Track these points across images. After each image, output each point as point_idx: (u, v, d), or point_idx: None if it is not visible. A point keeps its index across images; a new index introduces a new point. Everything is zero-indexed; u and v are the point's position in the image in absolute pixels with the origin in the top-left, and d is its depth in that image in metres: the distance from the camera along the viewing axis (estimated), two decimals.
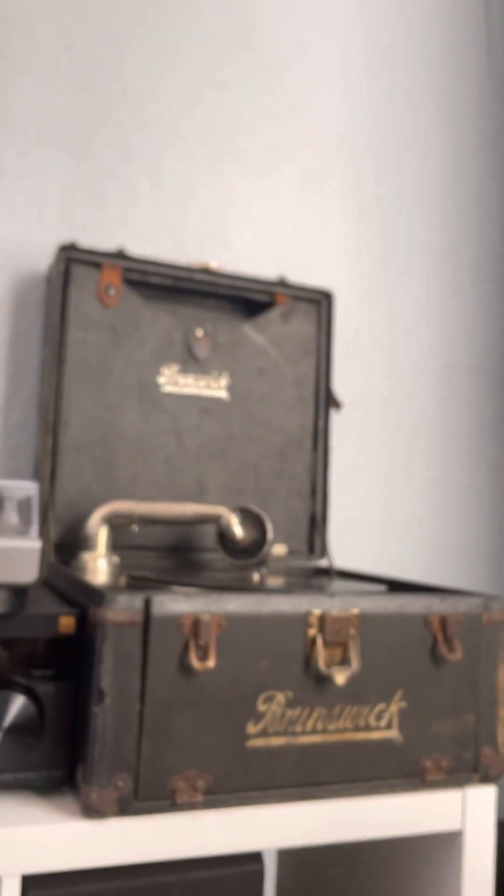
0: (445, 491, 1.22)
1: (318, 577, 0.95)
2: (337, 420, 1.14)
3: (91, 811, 0.56)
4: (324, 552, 1.00)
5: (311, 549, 1.02)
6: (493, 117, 1.30)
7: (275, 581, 0.83)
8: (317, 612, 0.63)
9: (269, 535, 0.87)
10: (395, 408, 1.19)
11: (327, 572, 0.99)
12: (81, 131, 1.04)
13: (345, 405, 1.14)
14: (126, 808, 0.57)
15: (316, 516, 1.02)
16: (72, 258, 0.93)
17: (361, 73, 1.21)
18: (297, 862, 0.94)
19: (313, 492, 1.03)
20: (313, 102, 1.17)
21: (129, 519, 0.86)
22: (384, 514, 1.17)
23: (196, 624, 0.59)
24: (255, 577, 0.82)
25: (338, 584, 0.83)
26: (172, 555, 0.94)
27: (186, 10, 1.10)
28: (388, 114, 1.22)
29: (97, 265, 0.94)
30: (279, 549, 0.97)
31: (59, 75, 1.03)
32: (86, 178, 1.04)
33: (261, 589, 0.68)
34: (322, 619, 0.63)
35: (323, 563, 1.01)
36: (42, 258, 1.01)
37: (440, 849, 0.69)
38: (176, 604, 0.59)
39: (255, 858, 0.62)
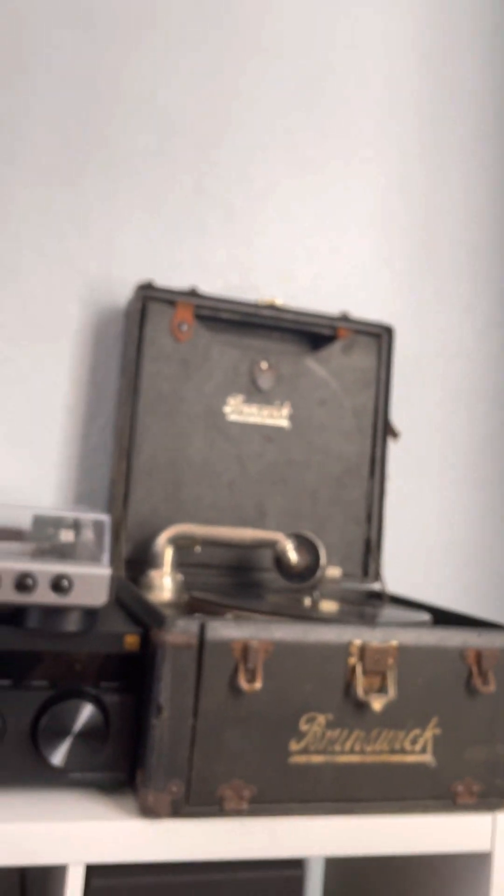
0: (501, 520, 1.24)
1: (371, 601, 1.00)
2: (394, 448, 1.18)
3: (148, 811, 0.63)
4: (377, 576, 1.05)
5: (366, 572, 1.07)
6: None
7: (327, 604, 0.89)
8: (357, 642, 0.68)
9: (323, 560, 0.92)
10: (451, 437, 1.23)
11: (380, 596, 1.03)
12: (159, 176, 1.12)
13: (402, 434, 1.18)
14: (178, 810, 0.63)
15: (371, 541, 1.07)
16: (148, 296, 1.01)
17: (426, 116, 1.25)
18: (343, 870, 1.00)
19: (369, 518, 1.08)
20: (380, 145, 1.22)
21: (193, 540, 0.93)
22: (438, 541, 1.21)
23: (245, 649, 0.65)
24: (307, 600, 0.87)
25: (385, 612, 0.87)
26: (233, 573, 1.01)
27: (261, 55, 1.17)
28: (450, 155, 1.26)
29: (171, 302, 1.02)
30: (334, 572, 1.03)
31: (141, 126, 1.11)
32: (163, 218, 1.12)
33: (307, 617, 0.73)
34: (362, 649, 0.68)
35: (376, 586, 1.06)
36: (122, 293, 1.09)
37: (471, 869, 0.73)
38: (228, 629, 0.65)
39: (296, 864, 0.68)
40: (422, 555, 1.20)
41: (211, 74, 1.15)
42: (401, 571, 1.17)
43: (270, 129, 1.17)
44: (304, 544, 0.94)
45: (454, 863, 0.76)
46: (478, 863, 0.73)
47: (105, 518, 0.68)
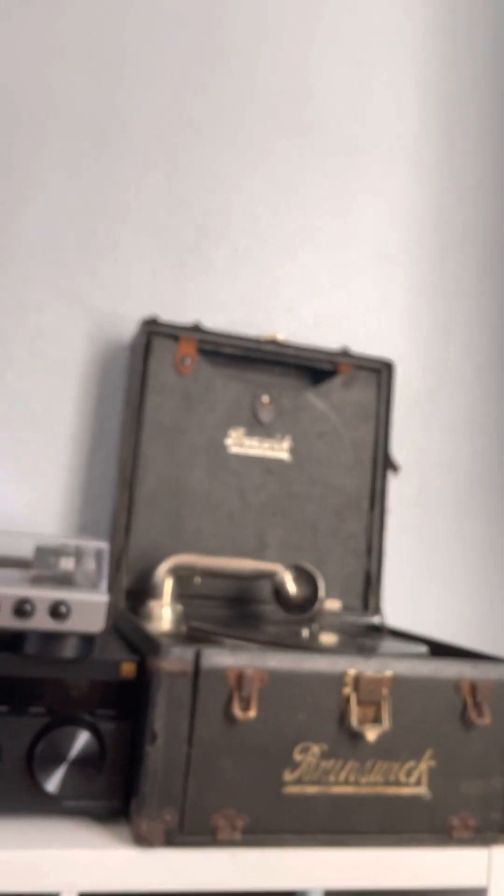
0: (501, 553, 1.24)
1: (369, 634, 1.01)
2: (395, 482, 1.19)
3: (141, 840, 0.63)
4: (377, 610, 1.05)
5: (366, 606, 1.07)
6: None
7: (326, 637, 0.89)
8: (352, 672, 0.68)
9: (321, 592, 0.93)
10: (451, 471, 1.24)
11: (379, 629, 1.04)
12: (165, 215, 1.15)
13: (403, 468, 1.19)
14: (172, 839, 0.63)
15: (371, 574, 1.07)
16: (153, 331, 1.04)
17: (431, 152, 1.28)
18: None
19: (369, 551, 1.08)
20: (382, 185, 1.25)
21: (192, 571, 0.94)
22: (439, 575, 1.21)
23: (240, 677, 0.66)
24: (305, 632, 0.88)
25: (383, 644, 0.88)
26: (232, 605, 1.01)
27: (265, 99, 1.21)
28: (451, 191, 1.29)
29: (175, 337, 1.04)
30: (333, 605, 1.03)
31: (149, 166, 1.15)
32: (168, 256, 1.15)
33: (302, 647, 0.74)
34: (357, 679, 0.68)
35: (376, 620, 1.06)
36: (127, 329, 1.12)
37: None
38: (223, 657, 0.66)
39: None
40: (422, 588, 1.20)
41: (218, 118, 1.19)
42: (401, 605, 1.17)
43: (272, 170, 1.20)
44: (304, 576, 0.95)
45: None
46: None
47: (104, 546, 0.69)
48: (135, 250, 1.13)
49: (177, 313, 1.13)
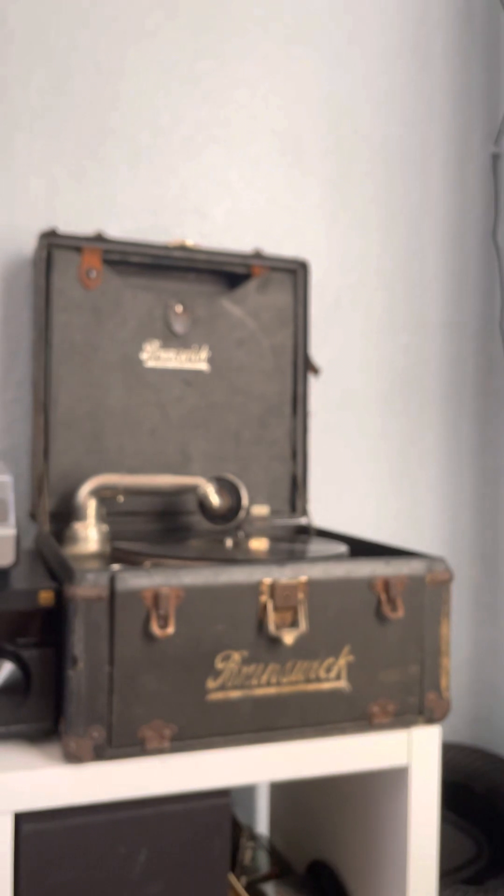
0: (425, 449, 1.27)
1: (297, 536, 1.03)
2: (317, 385, 1.19)
3: (71, 757, 0.65)
4: (304, 512, 1.07)
5: (293, 509, 1.08)
6: (465, 74, 1.29)
7: (256, 542, 0.90)
8: (267, 580, 0.70)
9: (244, 501, 0.94)
10: (374, 369, 1.24)
11: (306, 531, 1.06)
12: (58, 113, 1.07)
13: (324, 370, 1.18)
14: (101, 754, 0.66)
15: (296, 478, 1.08)
16: (53, 244, 0.98)
17: (337, 35, 1.21)
18: (286, 795, 1.05)
19: (294, 455, 1.09)
20: (288, 68, 1.18)
21: (115, 490, 0.93)
22: (364, 474, 1.23)
23: (156, 596, 0.66)
24: (229, 542, 0.89)
25: (307, 546, 0.90)
26: (159, 519, 1.02)
27: None
28: (362, 77, 1.23)
29: (77, 249, 0.99)
30: (261, 511, 1.04)
31: (37, 64, 1.06)
32: (66, 160, 1.08)
33: (218, 560, 0.75)
34: (272, 587, 0.70)
35: (303, 521, 1.08)
36: (28, 242, 1.06)
37: (392, 783, 0.78)
38: (138, 579, 0.66)
39: (222, 794, 0.71)
40: (349, 488, 1.22)
41: (108, 2, 1.09)
42: (330, 505, 1.19)
43: (168, 57, 1.12)
44: (226, 486, 0.95)
45: (383, 778, 0.80)
46: (397, 777, 0.77)
47: (8, 479, 0.68)
48: (28, 156, 1.06)
49: (79, 222, 1.08)
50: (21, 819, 0.65)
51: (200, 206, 1.14)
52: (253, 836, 1.01)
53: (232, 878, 0.85)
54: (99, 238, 1.00)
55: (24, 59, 1.06)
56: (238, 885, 0.85)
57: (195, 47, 1.14)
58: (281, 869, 0.98)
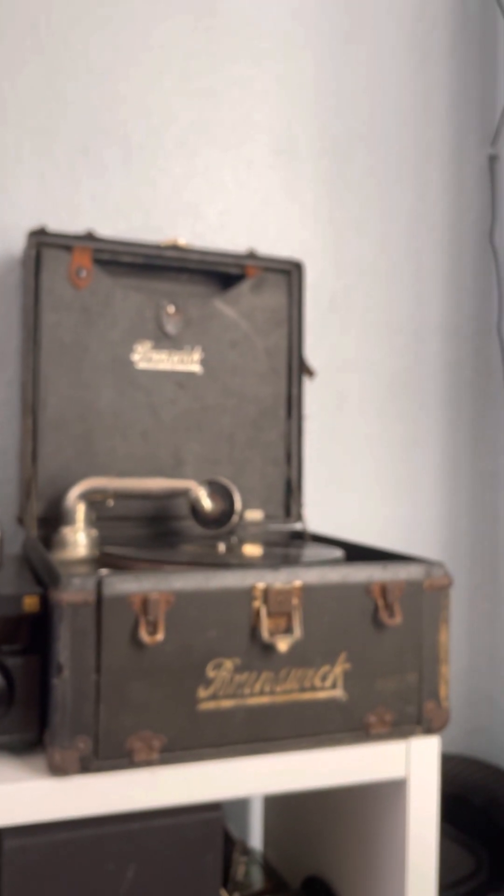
0: (422, 453, 1.25)
1: (292, 542, 1.00)
2: (313, 387, 1.17)
3: (56, 769, 0.62)
4: (299, 517, 1.05)
5: (288, 513, 1.06)
6: (462, 75, 1.28)
7: (250, 548, 0.88)
8: (261, 585, 0.67)
9: (237, 505, 0.91)
10: (370, 372, 1.22)
11: (301, 536, 1.03)
12: (49, 111, 1.05)
13: (319, 372, 1.16)
14: (88, 766, 0.63)
15: (291, 482, 1.06)
16: (42, 242, 0.96)
17: (333, 34, 1.19)
18: (281, 808, 1.02)
19: (288, 458, 1.07)
20: (283, 70, 1.17)
21: (105, 494, 0.91)
22: (361, 477, 1.21)
23: (145, 602, 0.64)
24: (221, 547, 0.86)
25: (301, 551, 0.87)
26: (150, 524, 0.99)
27: None
28: (358, 78, 1.21)
29: (67, 248, 0.97)
30: (255, 515, 1.02)
31: (23, 57, 1.04)
32: (56, 158, 1.06)
33: (208, 565, 0.72)
34: (266, 592, 0.67)
35: (298, 526, 1.06)
36: (18, 241, 1.04)
37: (389, 795, 0.75)
38: (126, 584, 0.64)
39: (214, 807, 0.69)
40: (346, 492, 1.20)
41: (101, 2, 1.08)
42: (326, 510, 1.17)
43: (162, 56, 1.11)
44: (219, 490, 0.93)
45: (378, 791, 0.78)
46: (395, 789, 0.74)
47: None
48: (18, 154, 1.04)
49: (70, 221, 1.06)
50: (3, 834, 0.62)
51: (193, 205, 1.13)
52: (246, 851, 0.98)
53: (224, 894, 0.82)
54: (89, 237, 0.98)
55: (15, 56, 1.04)
56: None
57: (188, 46, 1.12)
58: (275, 885, 0.95)
